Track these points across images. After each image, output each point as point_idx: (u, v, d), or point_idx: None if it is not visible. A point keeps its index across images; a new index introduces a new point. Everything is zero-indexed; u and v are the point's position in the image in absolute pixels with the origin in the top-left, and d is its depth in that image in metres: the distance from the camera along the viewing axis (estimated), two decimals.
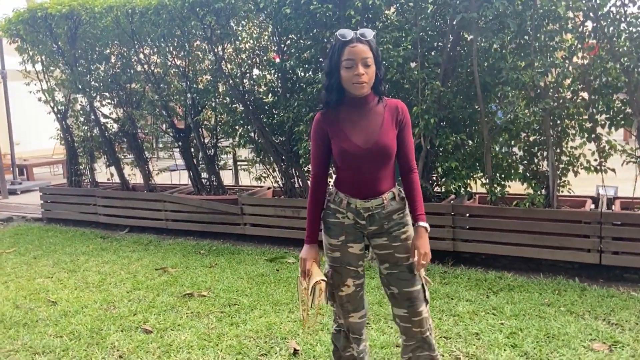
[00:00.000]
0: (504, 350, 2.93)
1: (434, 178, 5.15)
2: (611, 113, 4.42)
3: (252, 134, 6.10)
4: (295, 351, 3.03)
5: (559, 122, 4.58)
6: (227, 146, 6.58)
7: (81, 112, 7.20)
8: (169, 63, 6.43)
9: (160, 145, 6.99)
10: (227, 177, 6.84)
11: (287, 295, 3.93)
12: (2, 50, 9.59)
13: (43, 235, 6.32)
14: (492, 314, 3.43)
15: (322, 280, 2.15)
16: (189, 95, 6.31)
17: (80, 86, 6.63)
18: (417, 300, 2.19)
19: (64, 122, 7.21)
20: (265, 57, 6.03)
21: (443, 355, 2.90)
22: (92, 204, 6.77)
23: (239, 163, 7.81)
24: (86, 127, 7.26)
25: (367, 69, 2.02)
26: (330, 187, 2.29)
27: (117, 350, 3.16)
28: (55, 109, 7.13)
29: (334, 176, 2.29)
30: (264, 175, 6.03)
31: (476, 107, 4.73)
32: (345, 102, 2.14)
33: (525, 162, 4.78)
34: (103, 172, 7.54)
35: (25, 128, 13.03)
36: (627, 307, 3.44)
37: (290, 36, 5.58)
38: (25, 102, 11.49)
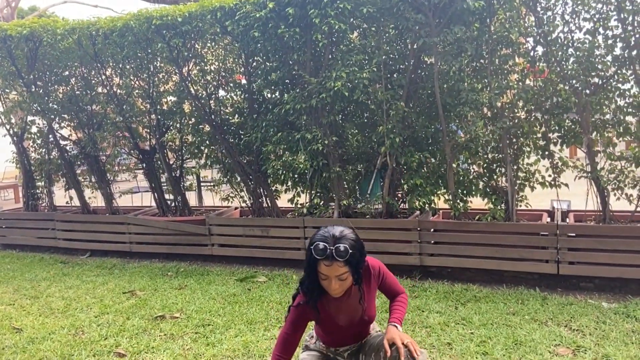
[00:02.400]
0: (476, 358, 3.06)
1: (399, 195, 5.31)
2: (562, 131, 4.72)
3: (219, 155, 6.12)
4: None
5: (515, 140, 4.84)
6: (192, 167, 6.57)
7: (38, 134, 7.01)
8: (133, 84, 6.39)
9: (123, 168, 6.88)
10: (191, 198, 6.80)
11: (262, 314, 3.95)
12: None
13: (0, 262, 6.08)
14: (461, 325, 3.57)
15: None
16: (153, 116, 6.28)
17: (38, 108, 6.48)
18: None
19: (20, 145, 7.00)
20: (230, 79, 6.10)
21: None
22: (51, 229, 6.57)
23: (203, 184, 7.77)
24: (43, 150, 7.07)
25: (341, 281, 2.06)
26: (312, 334, 2.41)
27: None
28: (12, 131, 6.91)
29: (314, 326, 2.38)
30: (231, 195, 6.04)
31: (438, 126, 4.96)
32: (327, 293, 2.16)
33: (485, 178, 5.01)
34: (61, 196, 7.34)
35: None
36: (586, 314, 3.65)
37: (256, 58, 5.69)
38: None
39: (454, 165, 4.97)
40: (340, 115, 5.43)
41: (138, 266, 5.61)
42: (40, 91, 6.44)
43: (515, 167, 4.85)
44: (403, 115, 4.85)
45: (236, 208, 6.20)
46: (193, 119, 6.15)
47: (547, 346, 3.17)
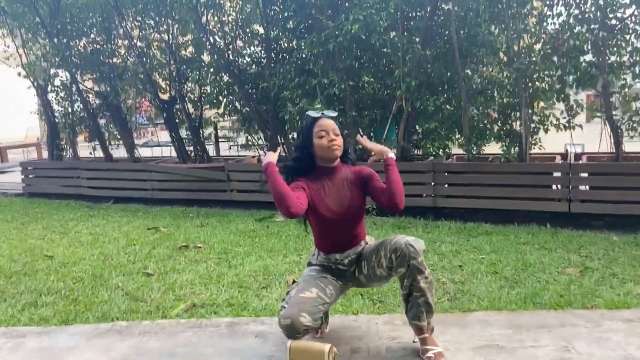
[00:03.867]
0: (486, 276, 3.20)
1: (414, 141, 5.40)
2: (578, 74, 4.74)
3: (237, 104, 6.25)
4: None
5: (530, 84, 4.88)
6: (211, 117, 6.72)
7: (61, 87, 7.18)
8: (152, 37, 6.50)
9: (144, 118, 7.07)
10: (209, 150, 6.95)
11: (280, 244, 4.12)
12: None
13: (27, 206, 6.33)
14: (473, 252, 3.70)
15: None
16: (173, 67, 6.40)
17: (61, 62, 6.63)
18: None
19: (44, 97, 7.19)
20: (248, 29, 6.18)
21: None
22: (76, 177, 6.79)
23: (220, 140, 7.93)
24: (67, 102, 7.26)
25: (337, 136, 2.33)
26: (314, 251, 2.50)
27: (122, 290, 3.30)
28: (36, 84, 7.10)
29: (314, 239, 2.48)
30: (250, 143, 6.19)
31: (453, 74, 4.99)
32: (316, 172, 2.36)
33: (500, 122, 5.07)
34: (83, 147, 7.57)
35: None
36: (596, 244, 3.76)
37: (273, 7, 5.74)
38: None
39: (469, 110, 5.04)
40: (356, 63, 5.49)
41: (160, 210, 5.82)
42: (64, 43, 6.57)
43: (529, 110, 4.90)
44: (419, 60, 4.91)
45: (253, 157, 6.34)
46: (212, 69, 6.26)
47: (556, 267, 3.29)
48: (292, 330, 2.05)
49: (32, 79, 7.05)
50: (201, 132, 6.52)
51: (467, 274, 3.27)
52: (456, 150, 5.33)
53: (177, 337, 2.53)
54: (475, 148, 4.94)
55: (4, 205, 6.54)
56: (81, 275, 3.63)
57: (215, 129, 7.04)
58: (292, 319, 2.06)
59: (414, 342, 2.33)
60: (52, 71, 7.08)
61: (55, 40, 6.56)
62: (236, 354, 2.32)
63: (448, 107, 5.23)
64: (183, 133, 6.59)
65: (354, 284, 2.45)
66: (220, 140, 7.77)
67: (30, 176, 7.27)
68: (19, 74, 7.12)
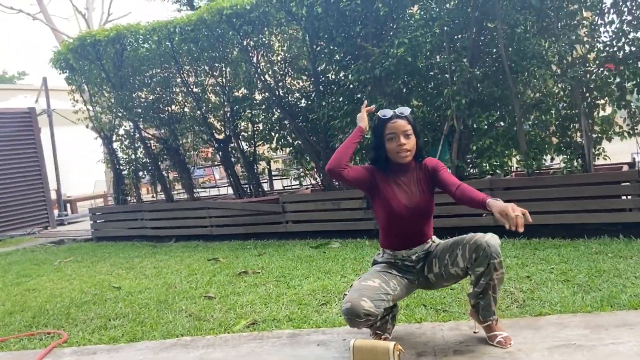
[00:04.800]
0: (557, 284, 3.02)
1: (469, 159, 5.30)
2: (637, 80, 4.56)
3: (289, 138, 6.40)
4: None
5: (587, 94, 4.73)
6: (263, 155, 6.91)
7: (125, 136, 7.63)
8: (207, 82, 6.86)
9: (202, 159, 7.37)
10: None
11: (337, 267, 4.08)
12: (47, 90, 10.26)
13: (96, 248, 6.64)
14: (540, 263, 3.52)
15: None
16: (227, 108, 6.68)
17: (125, 112, 7.08)
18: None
19: (109, 147, 7.65)
20: (296, 65, 6.40)
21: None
22: (140, 219, 7.09)
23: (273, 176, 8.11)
24: (130, 150, 7.68)
25: (407, 139, 2.31)
26: (379, 251, 2.53)
27: (185, 312, 3.35)
28: (102, 134, 7.58)
29: (380, 238, 2.50)
30: (302, 175, 6.28)
31: (505, 90, 4.92)
32: (392, 168, 2.41)
33: (558, 135, 4.91)
34: (146, 191, 7.92)
35: (66, 173, 13.74)
36: None
37: (320, 43, 5.94)
38: (66, 149, 12.17)
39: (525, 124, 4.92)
40: (404, 87, 5.53)
41: (219, 244, 5.94)
42: (127, 95, 7.03)
43: (590, 120, 4.72)
44: (468, 78, 4.88)
45: (307, 188, 6.41)
46: (263, 106, 6.48)
47: (633, 273, 3.06)
48: (352, 314, 2.03)
49: (98, 130, 7.54)
50: (255, 167, 6.69)
51: (535, 283, 3.10)
52: (515, 167, 5.18)
53: (241, 348, 2.53)
54: (534, 163, 4.79)
55: (74, 249, 6.89)
56: (147, 301, 3.72)
57: (268, 163, 7.21)
58: (352, 302, 2.04)
59: (474, 332, 2.26)
60: (117, 122, 7.56)
61: (119, 92, 7.03)
62: None
63: (502, 123, 5.14)
64: (238, 171, 6.80)
65: (421, 284, 2.40)
66: (273, 178, 7.95)
67: (98, 221, 7.65)
68: (87, 127, 7.63)
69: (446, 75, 4.92)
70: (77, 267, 5.45)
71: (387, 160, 2.38)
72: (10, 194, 8.74)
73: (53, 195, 10.47)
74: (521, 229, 1.99)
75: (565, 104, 4.86)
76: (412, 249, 2.36)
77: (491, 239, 2.16)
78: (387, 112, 2.34)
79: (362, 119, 2.41)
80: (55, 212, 10.57)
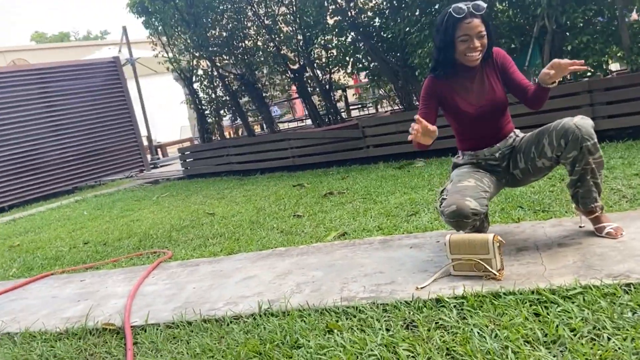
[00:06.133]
0: None
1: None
2: None
3: (364, 61, 6.22)
4: None
5: None
6: (339, 80, 6.79)
7: (203, 75, 7.80)
8: (277, 10, 6.74)
9: (278, 90, 7.41)
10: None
11: (423, 182, 4.00)
12: (128, 39, 10.66)
13: (188, 185, 7.01)
14: None
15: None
16: (300, 36, 6.57)
17: (201, 49, 7.18)
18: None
19: (190, 87, 7.87)
20: None
21: (604, 192, 2.78)
22: (225, 155, 7.34)
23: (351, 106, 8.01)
24: (209, 89, 7.87)
25: (481, 40, 2.06)
26: (458, 154, 2.37)
27: (277, 229, 3.46)
28: (182, 75, 7.79)
29: (457, 142, 2.34)
30: (380, 98, 6.13)
31: None
32: (456, 70, 2.19)
33: None
34: (228, 135, 8.14)
35: (153, 120, 14.47)
36: None
37: None
38: (150, 98, 12.73)
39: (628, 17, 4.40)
40: None
41: (302, 173, 6.03)
42: (202, 34, 7.10)
43: None
44: None
45: (386, 111, 6.26)
46: (335, 30, 6.30)
47: None
48: (460, 216, 1.96)
49: (178, 72, 7.75)
50: (332, 95, 6.61)
51: None
52: (615, 67, 4.70)
53: (334, 254, 2.57)
54: (639, 59, 4.30)
55: (169, 186, 7.32)
56: (240, 222, 3.89)
57: (344, 91, 7.10)
58: (457, 203, 1.96)
59: (580, 227, 2.12)
60: (194, 62, 7.72)
61: (195, 30, 7.12)
62: (394, 261, 2.28)
63: (600, 18, 4.63)
64: (315, 100, 6.76)
65: (508, 182, 2.28)
66: (350, 107, 7.86)
67: (187, 160, 8.03)
68: (167, 69, 7.87)
69: None
70: (173, 200, 5.79)
71: (454, 63, 2.16)
72: (106, 141, 9.36)
73: (144, 142, 11.12)
74: (578, 65, 1.93)
75: None
76: (494, 146, 2.21)
77: (580, 121, 1.95)
78: (461, 10, 2.01)
79: (427, 137, 2.03)
80: (148, 156, 11.24)
